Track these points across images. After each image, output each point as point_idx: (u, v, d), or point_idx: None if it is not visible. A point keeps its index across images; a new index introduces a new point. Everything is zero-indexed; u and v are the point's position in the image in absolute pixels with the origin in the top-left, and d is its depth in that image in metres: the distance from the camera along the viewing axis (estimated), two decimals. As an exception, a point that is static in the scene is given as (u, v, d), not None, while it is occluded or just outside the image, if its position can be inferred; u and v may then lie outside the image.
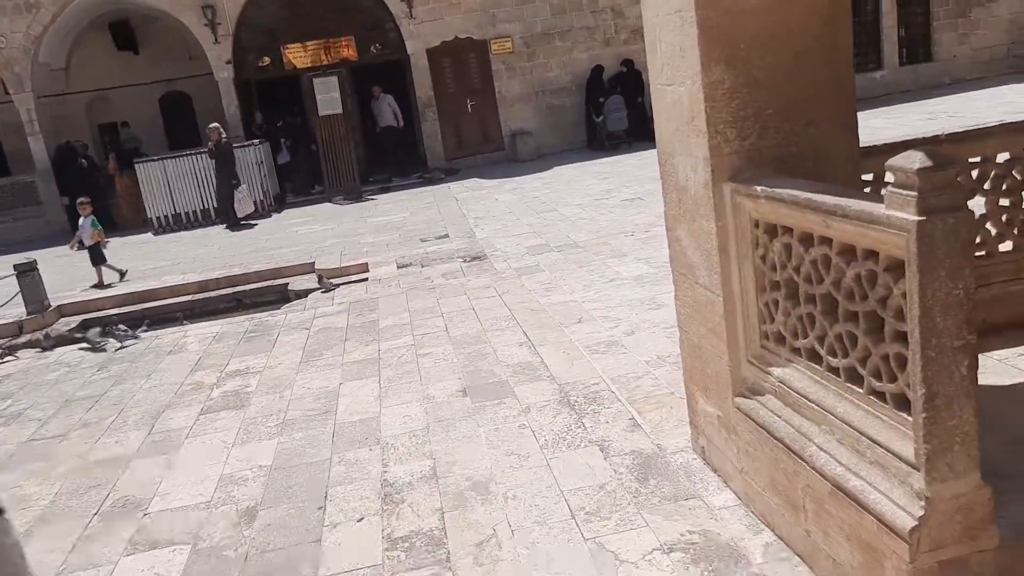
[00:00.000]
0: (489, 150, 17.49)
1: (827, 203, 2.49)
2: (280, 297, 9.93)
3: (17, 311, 9.34)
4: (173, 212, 14.75)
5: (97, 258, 10.66)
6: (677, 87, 3.31)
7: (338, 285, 9.10)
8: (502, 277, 8.21)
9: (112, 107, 19.56)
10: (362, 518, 3.83)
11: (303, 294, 9.38)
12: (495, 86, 17.22)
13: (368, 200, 15.18)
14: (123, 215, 15.61)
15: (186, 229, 14.72)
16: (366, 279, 9.31)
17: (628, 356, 5.40)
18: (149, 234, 14.74)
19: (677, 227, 3.63)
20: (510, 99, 17.27)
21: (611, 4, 17.23)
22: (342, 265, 9.98)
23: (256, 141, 15.06)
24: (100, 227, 10.92)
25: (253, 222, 14.15)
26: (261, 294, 10.20)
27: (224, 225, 14.22)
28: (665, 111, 3.50)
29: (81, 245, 10.83)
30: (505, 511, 3.69)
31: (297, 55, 16.66)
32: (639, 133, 16.95)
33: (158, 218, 14.75)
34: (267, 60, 16.73)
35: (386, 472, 4.26)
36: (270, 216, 14.81)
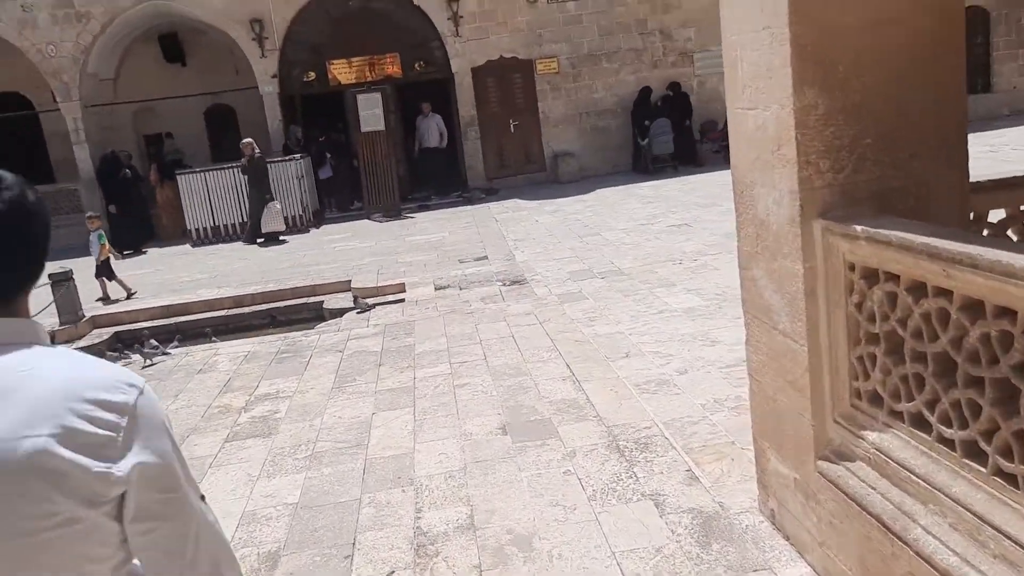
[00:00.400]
0: (531, 171, 17.24)
1: (949, 250, 2.13)
2: (315, 315, 9.70)
3: (51, 321, 9.19)
4: (212, 224, 14.66)
5: (104, 272, 10.52)
6: (761, 111, 2.97)
7: (374, 306, 8.84)
8: (543, 303, 7.88)
9: (158, 118, 19.65)
10: (392, 572, 3.50)
11: (338, 313, 9.13)
12: (539, 106, 16.99)
13: (407, 218, 14.97)
14: (163, 226, 15.58)
15: (225, 242, 14.61)
16: (403, 300, 9.04)
17: (682, 398, 5.03)
18: (188, 246, 14.66)
19: (753, 265, 3.28)
20: (554, 120, 17.01)
21: (660, 26, 16.93)
22: (379, 285, 9.72)
23: (297, 156, 14.94)
24: (106, 241, 10.79)
25: (283, 238, 13.99)
26: (296, 311, 9.98)
27: (243, 241, 14.10)
28: (745, 137, 3.16)
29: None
30: (550, 573, 3.33)
31: (342, 71, 16.58)
32: (685, 157, 16.62)
33: (197, 230, 14.68)
34: (312, 75, 16.66)
35: (419, 519, 3.93)
36: (308, 231, 14.65)
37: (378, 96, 14.97)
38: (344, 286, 10.10)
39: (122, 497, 1.15)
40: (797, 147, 2.77)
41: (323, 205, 16.15)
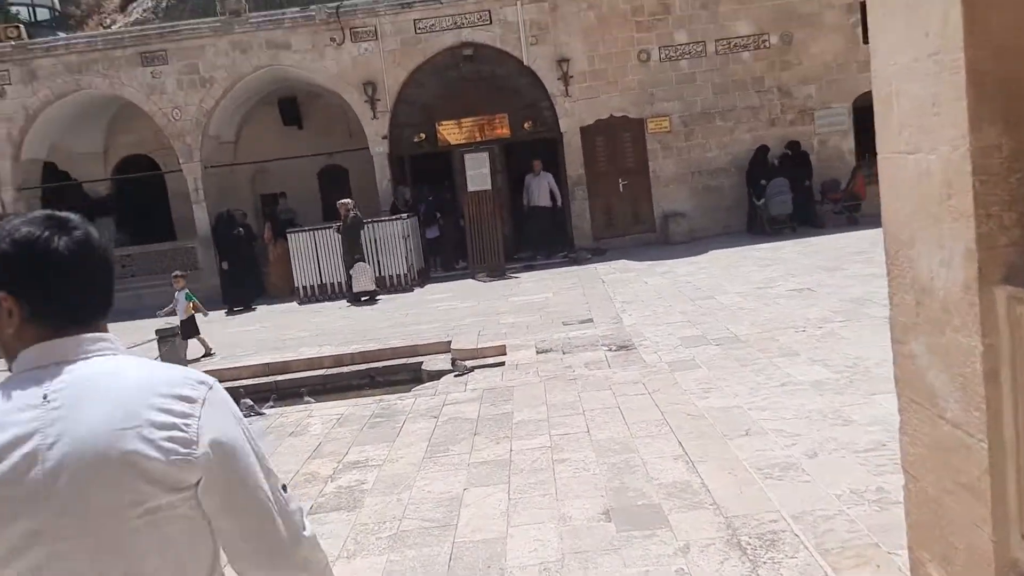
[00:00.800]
0: (639, 231, 16.77)
1: None
2: (413, 377, 9.45)
3: (155, 376, 9.26)
4: (319, 282, 14.80)
5: (189, 331, 10.58)
6: (925, 155, 2.46)
7: (473, 368, 8.49)
8: (652, 371, 7.34)
9: (273, 178, 20.28)
10: None
11: (436, 375, 8.84)
12: (649, 165, 16.59)
13: (511, 278, 14.71)
14: (273, 283, 15.85)
15: (330, 299, 14.70)
16: (503, 363, 8.67)
17: (812, 486, 4.40)
18: (295, 303, 14.81)
19: (911, 339, 2.72)
20: (664, 179, 16.56)
21: (778, 84, 16.35)
22: (479, 346, 9.40)
23: (404, 215, 14.98)
24: (194, 299, 10.89)
25: (379, 298, 13.95)
26: (394, 372, 9.77)
27: (347, 300, 14.10)
28: (903, 186, 2.64)
29: (171, 312, 10.80)
30: None
31: (451, 132, 16.68)
32: (804, 219, 15.82)
33: (304, 287, 14.83)
34: (422, 136, 16.82)
35: (509, 619, 3.46)
36: (412, 290, 14.58)
37: (485, 155, 14.91)
38: (444, 347, 9.83)
39: (198, 485, 1.27)
40: (975, 197, 2.24)
41: (428, 264, 16.10)
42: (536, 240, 16.39)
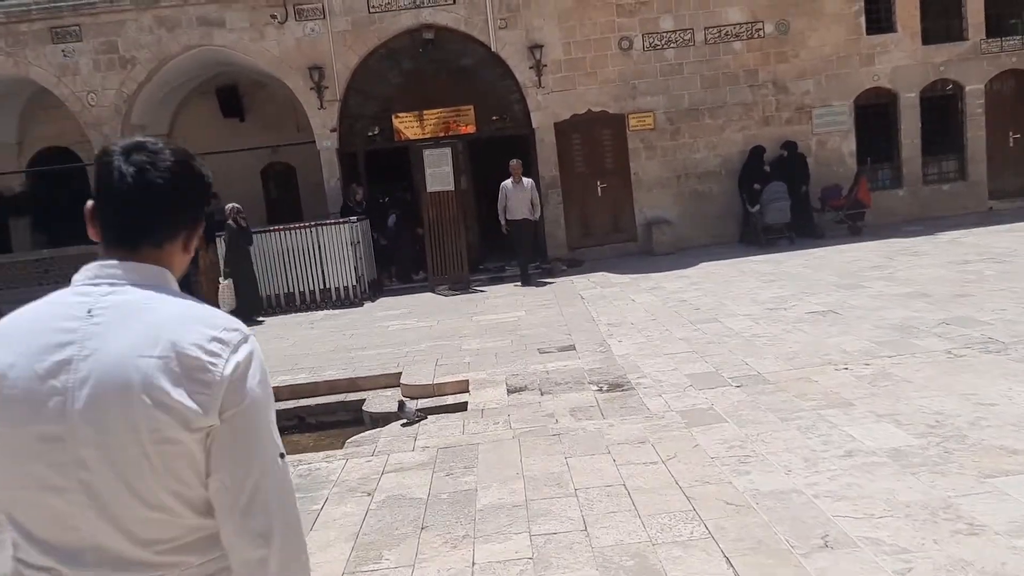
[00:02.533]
0: (619, 240, 15.02)
1: None
2: (353, 417, 7.60)
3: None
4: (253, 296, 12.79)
5: None
6: None
7: (426, 414, 6.63)
8: (661, 425, 5.55)
9: (212, 176, 18.20)
10: None
11: (381, 420, 6.99)
12: (631, 167, 14.86)
13: (476, 291, 12.87)
14: (204, 295, 13.79)
15: (268, 315, 12.72)
16: (465, 405, 6.84)
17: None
18: (225, 318, 12.79)
19: None
20: (647, 183, 14.84)
21: (773, 78, 14.72)
22: (435, 381, 7.55)
23: (354, 218, 13.06)
24: None
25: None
26: (329, 411, 7.90)
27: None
28: None
29: None
30: None
31: (409, 126, 14.80)
32: (799, 228, 14.20)
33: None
34: (376, 130, 14.92)
35: None
36: (362, 305, 12.66)
37: (447, 152, 13.07)
38: (392, 379, 7.97)
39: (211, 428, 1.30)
40: None
41: (381, 275, 14.19)
42: (519, 256, 14.11)
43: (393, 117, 14.77)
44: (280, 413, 7.36)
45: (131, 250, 1.39)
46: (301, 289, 12.78)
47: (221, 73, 16.88)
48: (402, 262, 14.55)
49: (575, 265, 14.25)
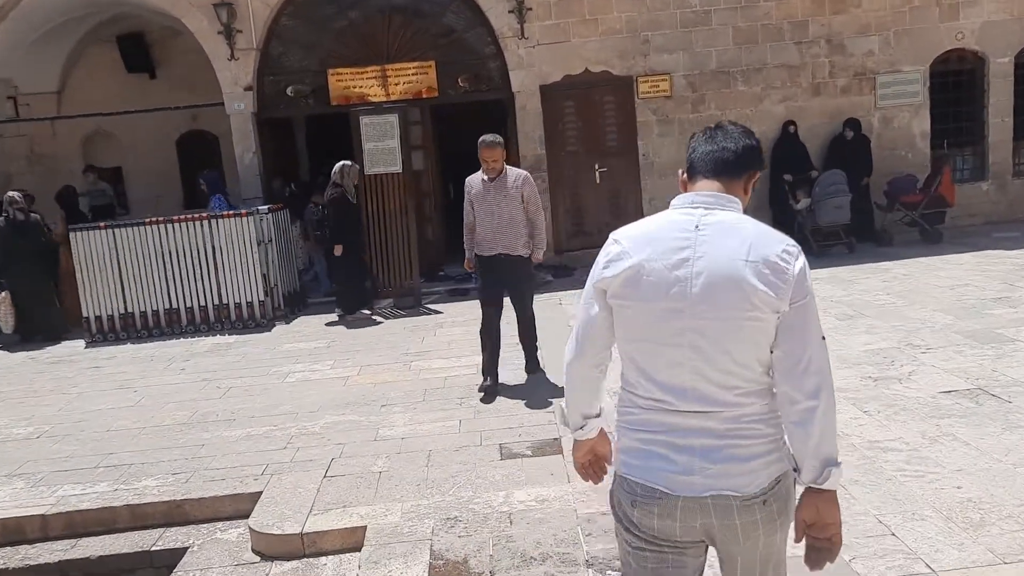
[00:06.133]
0: (621, 240, 11.58)
1: None
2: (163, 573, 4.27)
3: None
4: (123, 311, 9.31)
5: None
6: None
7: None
8: None
9: (115, 144, 14.70)
10: None
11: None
12: (639, 145, 11.43)
13: (427, 312, 9.47)
14: (67, 307, 10.27)
15: (140, 339, 9.27)
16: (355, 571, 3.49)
17: None
18: (82, 343, 9.34)
19: None
20: (660, 166, 11.42)
21: (827, 33, 11.29)
22: (306, 531, 4.17)
23: (264, 209, 9.59)
24: None
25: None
26: (129, 564, 4.50)
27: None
28: None
29: None
30: None
31: (349, 85, 11.30)
32: (860, 231, 10.86)
33: (98, 318, 9.34)
34: (306, 89, 11.41)
35: None
36: (271, 329, 9.22)
37: (393, 120, 9.62)
38: (245, 506, 4.60)
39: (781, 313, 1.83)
40: None
41: (305, 286, 10.74)
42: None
43: (328, 73, 11.25)
44: (39, 569, 3.96)
45: (717, 182, 1.99)
46: (189, 304, 9.32)
47: (121, 17, 13.30)
48: (344, 294, 10.41)
49: (563, 273, 10.88)
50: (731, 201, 1.93)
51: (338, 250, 9.01)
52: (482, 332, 6.28)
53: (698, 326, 1.82)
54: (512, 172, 6.08)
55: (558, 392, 6.03)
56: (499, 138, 5.98)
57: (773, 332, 1.83)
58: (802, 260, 1.84)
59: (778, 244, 1.84)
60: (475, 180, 6.13)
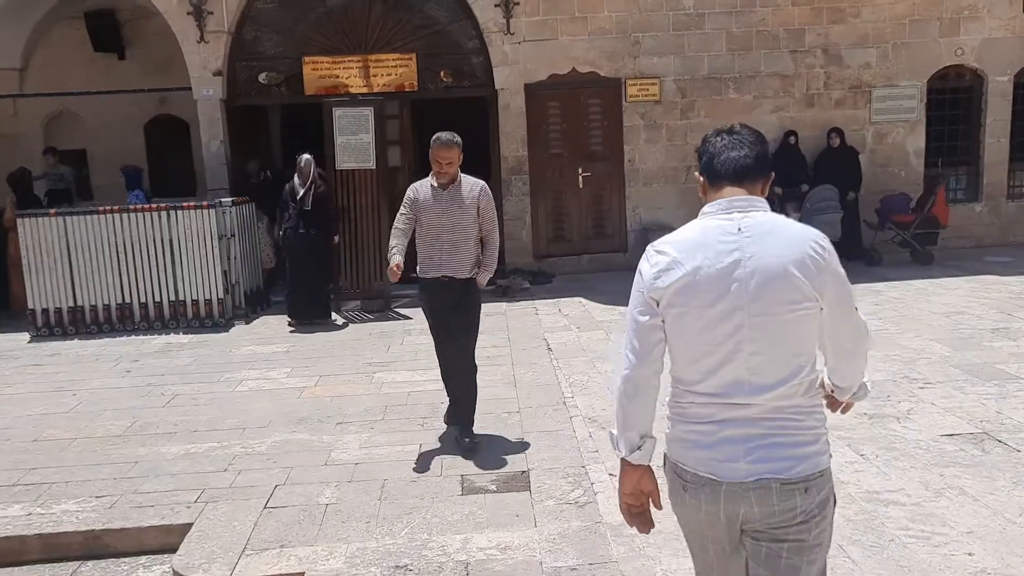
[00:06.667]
0: (603, 249, 11.18)
1: None
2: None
3: None
4: (71, 304, 8.75)
5: None
6: None
7: None
8: None
9: (80, 127, 14.06)
10: None
11: None
12: (624, 151, 11.01)
13: (396, 317, 8.99)
14: (15, 296, 9.71)
15: (90, 334, 8.71)
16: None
17: None
18: (26, 336, 8.77)
19: None
20: (646, 173, 11.00)
21: (824, 43, 10.92)
22: (237, 573, 3.68)
23: (228, 201, 9.05)
24: None
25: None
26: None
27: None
28: None
29: None
30: None
31: (324, 74, 10.77)
32: (849, 249, 10.49)
33: (45, 311, 8.77)
34: (279, 77, 10.87)
35: None
36: (228, 330, 8.69)
37: (368, 113, 9.12)
38: (168, 539, 4.15)
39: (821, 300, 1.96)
40: None
41: (268, 284, 10.21)
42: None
43: (303, 60, 10.72)
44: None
45: (742, 187, 2.06)
46: (143, 300, 8.77)
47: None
48: (293, 297, 8.92)
49: (542, 281, 10.42)
50: (760, 202, 2.05)
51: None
52: (444, 378, 5.32)
53: (754, 323, 1.93)
54: (468, 181, 5.04)
55: (513, 384, 5.54)
56: (457, 137, 4.94)
57: (818, 322, 1.97)
58: (829, 246, 1.98)
59: (812, 241, 1.96)
60: (423, 187, 5.03)
